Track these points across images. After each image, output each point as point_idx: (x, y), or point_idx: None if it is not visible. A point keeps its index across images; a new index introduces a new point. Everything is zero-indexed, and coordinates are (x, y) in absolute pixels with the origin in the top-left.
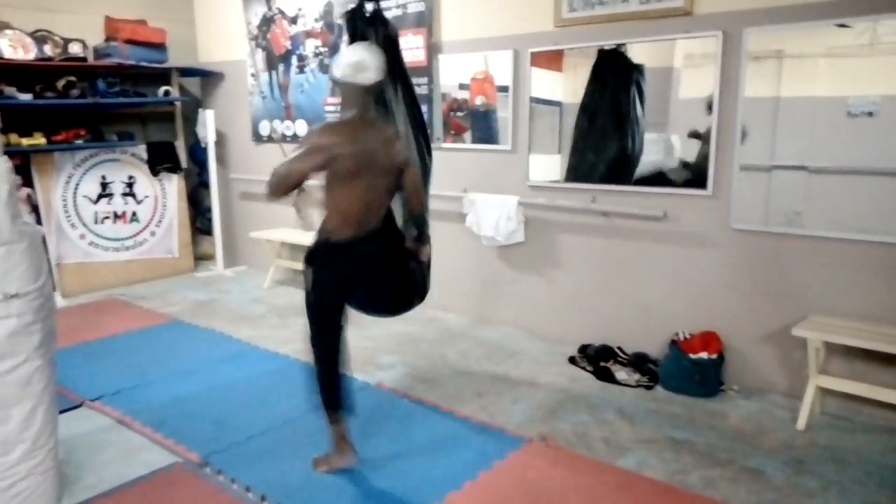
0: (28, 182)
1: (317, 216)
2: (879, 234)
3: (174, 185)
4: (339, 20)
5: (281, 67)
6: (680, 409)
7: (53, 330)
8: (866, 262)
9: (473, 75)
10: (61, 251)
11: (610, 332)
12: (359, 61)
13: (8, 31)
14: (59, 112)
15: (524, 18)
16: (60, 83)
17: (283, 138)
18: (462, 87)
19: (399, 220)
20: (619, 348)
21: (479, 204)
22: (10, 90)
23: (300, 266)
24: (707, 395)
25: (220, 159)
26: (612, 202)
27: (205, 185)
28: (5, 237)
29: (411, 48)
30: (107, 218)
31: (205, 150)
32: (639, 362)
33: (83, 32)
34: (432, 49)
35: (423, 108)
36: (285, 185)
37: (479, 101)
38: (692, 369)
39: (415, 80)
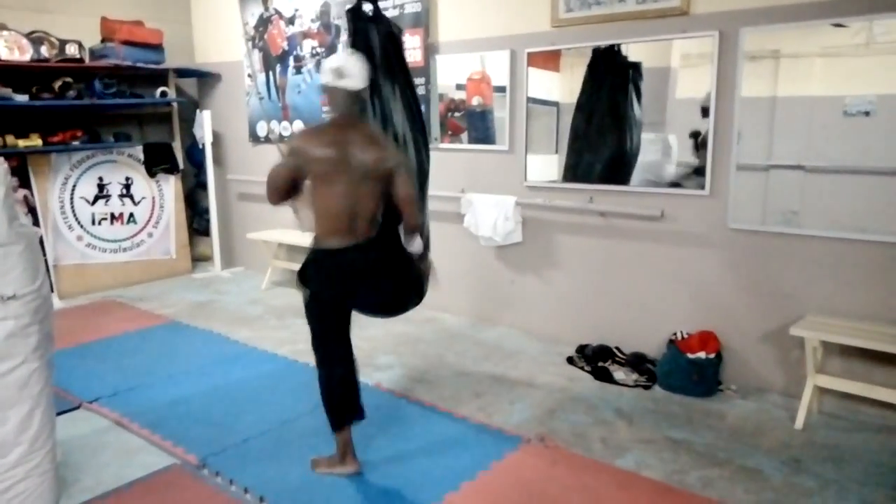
0: (25, 183)
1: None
2: (876, 234)
3: (171, 187)
4: (338, 20)
5: (278, 68)
6: (678, 409)
7: (51, 332)
8: (863, 261)
9: (470, 76)
10: (58, 253)
11: (608, 331)
12: (339, 67)
13: (4, 33)
14: (56, 113)
15: (521, 19)
16: (57, 84)
17: (281, 139)
18: (459, 87)
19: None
20: (617, 348)
21: (476, 204)
22: (6, 91)
23: (298, 267)
24: (705, 395)
25: (218, 160)
26: (610, 202)
27: (202, 186)
28: (2, 239)
29: (408, 48)
30: (104, 219)
31: (202, 150)
32: (637, 362)
33: (80, 33)
34: (429, 49)
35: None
36: (274, 189)
37: (475, 101)
38: (690, 369)
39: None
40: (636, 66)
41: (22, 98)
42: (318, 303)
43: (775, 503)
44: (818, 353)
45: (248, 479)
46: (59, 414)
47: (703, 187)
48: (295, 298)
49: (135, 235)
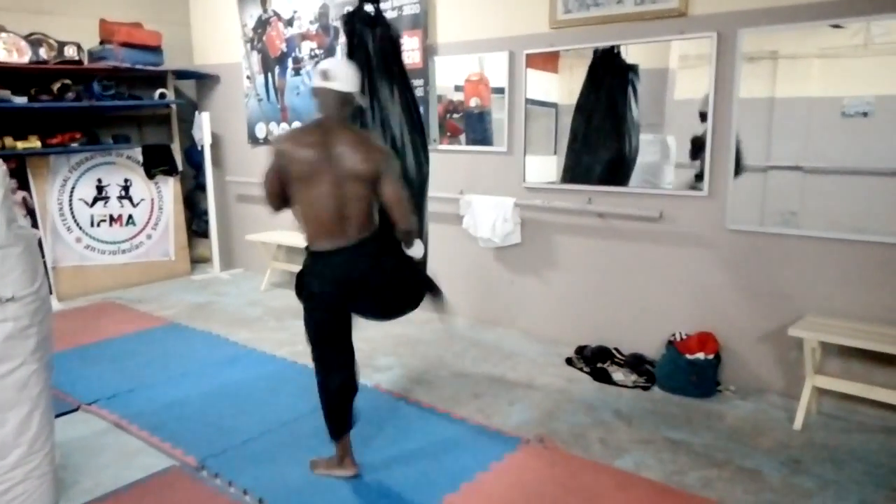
0: (23, 185)
1: None
2: (875, 234)
3: (170, 188)
4: (336, 22)
5: (276, 70)
6: (677, 410)
7: (50, 333)
8: (862, 262)
9: (468, 77)
10: (57, 254)
11: (606, 332)
12: (327, 69)
13: (3, 34)
14: (55, 115)
15: (519, 20)
16: (56, 86)
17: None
18: (458, 89)
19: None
20: (616, 349)
21: (475, 205)
22: (4, 93)
23: (297, 268)
24: (704, 396)
25: (217, 162)
26: (608, 203)
27: (201, 187)
28: (1, 241)
29: (407, 50)
30: (103, 221)
31: (201, 152)
32: (635, 363)
33: (78, 35)
34: (428, 51)
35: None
36: (268, 194)
37: (473, 102)
38: (689, 370)
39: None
40: (635, 68)
41: (20, 100)
42: (312, 309)
43: None
44: (817, 354)
45: (247, 481)
46: (57, 416)
47: (701, 188)
48: (293, 300)
49: (134, 237)
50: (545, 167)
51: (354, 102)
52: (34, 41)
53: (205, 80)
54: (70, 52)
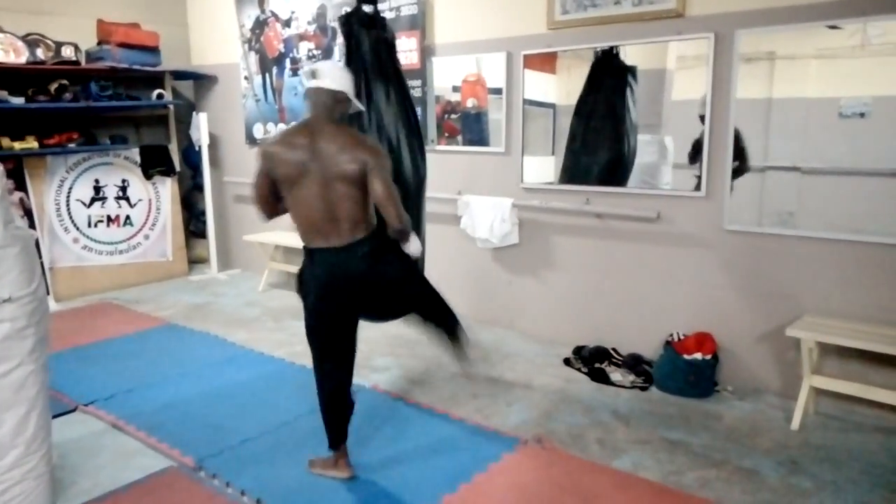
0: (21, 186)
1: None
2: (872, 235)
3: (168, 189)
4: (334, 23)
5: (274, 70)
6: (674, 410)
7: (47, 334)
8: (859, 262)
9: (465, 77)
10: (54, 255)
11: (604, 333)
12: (314, 68)
13: (0, 35)
14: (52, 115)
15: (517, 21)
16: (53, 87)
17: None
18: (455, 89)
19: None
20: (614, 349)
21: (473, 206)
22: (2, 94)
23: (295, 269)
24: (701, 396)
25: (214, 162)
26: (606, 204)
27: (199, 188)
28: None
29: (405, 51)
30: (100, 221)
31: (198, 153)
32: (633, 363)
33: (76, 36)
34: (426, 52)
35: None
36: (257, 198)
37: (470, 103)
38: (687, 370)
39: (409, 83)
40: (633, 69)
41: (18, 100)
42: (308, 308)
43: None
44: (814, 354)
45: (245, 482)
46: (55, 417)
47: (699, 189)
48: (291, 300)
49: (131, 238)
50: (543, 168)
51: (347, 102)
52: (31, 41)
53: (202, 81)
54: (67, 52)
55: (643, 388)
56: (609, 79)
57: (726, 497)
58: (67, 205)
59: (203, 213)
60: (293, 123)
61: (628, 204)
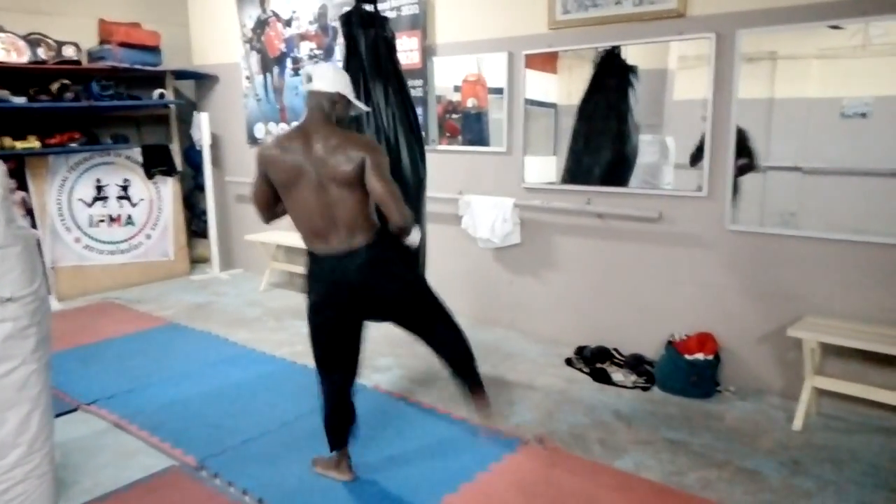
0: (22, 185)
1: None
2: (874, 235)
3: (169, 188)
4: (335, 22)
5: (275, 70)
6: (676, 411)
7: (49, 334)
8: (861, 262)
9: (465, 77)
10: (56, 254)
11: (606, 333)
12: (309, 72)
13: (1, 35)
14: (54, 115)
15: (518, 20)
16: (54, 86)
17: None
18: (457, 89)
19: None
20: (616, 350)
21: (474, 206)
22: (3, 93)
23: (296, 269)
24: (703, 397)
25: (216, 162)
26: (608, 204)
27: (200, 187)
28: (0, 240)
29: (406, 50)
30: (102, 221)
31: (200, 152)
32: (635, 364)
33: (77, 35)
34: (427, 51)
35: (418, 111)
36: (256, 204)
37: (470, 103)
38: (688, 370)
39: (410, 83)
40: (635, 69)
41: (19, 100)
42: (310, 310)
43: None
44: (816, 355)
45: (246, 481)
46: (57, 416)
47: (700, 189)
48: (293, 300)
49: (133, 237)
50: (544, 168)
51: (345, 103)
52: (33, 41)
53: (204, 81)
54: (69, 52)
55: (645, 389)
56: (611, 79)
57: (728, 498)
58: (69, 204)
59: (204, 213)
60: (294, 124)
61: (630, 204)
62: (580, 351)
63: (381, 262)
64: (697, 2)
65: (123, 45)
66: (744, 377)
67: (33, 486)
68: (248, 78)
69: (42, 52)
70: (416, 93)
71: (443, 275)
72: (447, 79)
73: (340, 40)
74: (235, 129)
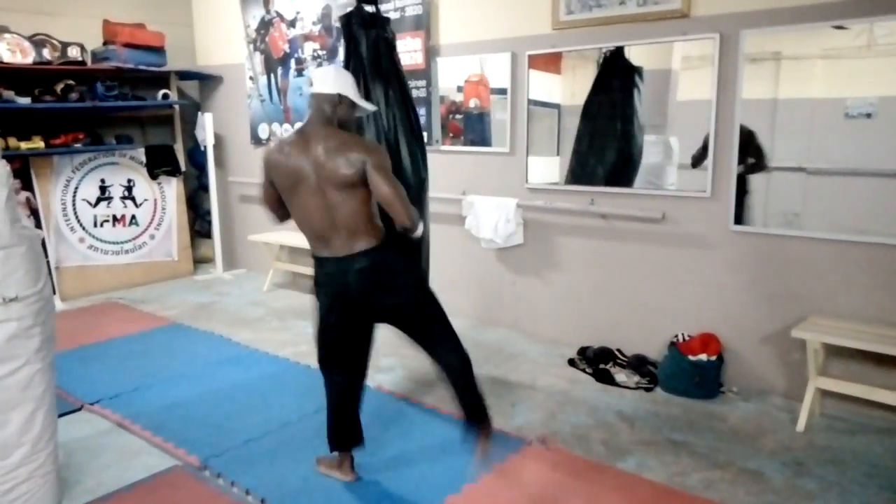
0: (27, 186)
1: None
2: (878, 236)
3: (173, 189)
4: (338, 23)
5: (279, 70)
6: (679, 411)
7: (53, 333)
8: (865, 263)
9: (468, 78)
10: (60, 255)
11: (609, 334)
12: (311, 76)
13: (6, 35)
14: (58, 116)
15: (522, 21)
16: (59, 87)
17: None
18: (460, 89)
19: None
20: (619, 350)
21: (478, 206)
22: (8, 94)
23: (299, 269)
24: (706, 397)
25: (220, 162)
26: (611, 204)
27: (204, 188)
28: (4, 241)
29: (409, 51)
30: (106, 221)
31: (204, 153)
32: (638, 364)
33: (81, 36)
34: (430, 52)
35: (422, 112)
36: (267, 207)
37: (472, 103)
38: (691, 371)
39: (413, 83)
40: (639, 69)
41: (24, 100)
42: (317, 313)
43: None
44: (819, 356)
45: (249, 481)
46: (60, 416)
47: (704, 189)
48: (296, 300)
49: (137, 237)
50: (548, 168)
51: (348, 105)
52: (38, 42)
53: (207, 81)
54: (73, 52)
55: (648, 389)
56: (615, 79)
57: (731, 498)
58: (73, 204)
59: (208, 213)
60: (298, 124)
61: (633, 204)
62: (583, 351)
63: (383, 269)
64: (701, 2)
65: (128, 45)
66: (747, 378)
67: (37, 486)
68: (251, 78)
69: (47, 53)
70: (419, 93)
71: (446, 275)
72: (451, 79)
73: (342, 41)
74: (239, 129)
